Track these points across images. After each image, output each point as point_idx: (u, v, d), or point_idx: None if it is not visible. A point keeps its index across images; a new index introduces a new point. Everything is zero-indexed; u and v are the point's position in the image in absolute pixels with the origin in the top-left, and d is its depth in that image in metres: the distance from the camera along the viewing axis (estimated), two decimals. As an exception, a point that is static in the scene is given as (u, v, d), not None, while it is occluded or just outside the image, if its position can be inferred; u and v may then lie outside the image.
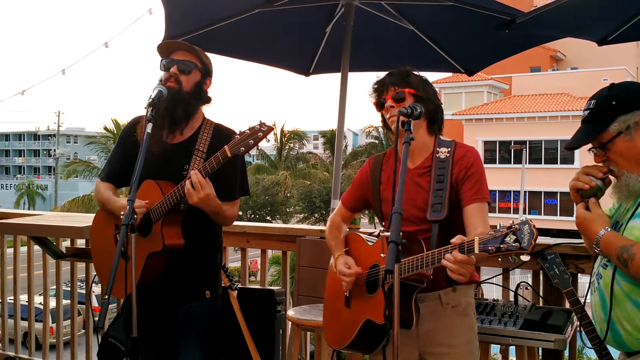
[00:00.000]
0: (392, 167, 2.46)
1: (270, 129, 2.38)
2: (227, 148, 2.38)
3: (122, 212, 2.40)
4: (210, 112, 2.83)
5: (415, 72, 2.45)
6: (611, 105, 1.99)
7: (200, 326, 2.73)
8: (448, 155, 2.37)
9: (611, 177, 2.02)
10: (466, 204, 2.30)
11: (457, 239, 2.01)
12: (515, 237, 1.86)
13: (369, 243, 2.46)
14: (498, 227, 1.91)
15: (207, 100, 2.77)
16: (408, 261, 2.14)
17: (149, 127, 2.49)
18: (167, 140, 2.68)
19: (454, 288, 2.36)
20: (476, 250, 1.93)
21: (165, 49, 2.72)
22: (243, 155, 2.70)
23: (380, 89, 2.43)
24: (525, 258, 1.91)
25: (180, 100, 2.63)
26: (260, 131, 2.35)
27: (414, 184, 2.38)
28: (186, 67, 2.66)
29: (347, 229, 2.69)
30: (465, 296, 2.40)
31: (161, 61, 2.71)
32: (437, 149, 2.41)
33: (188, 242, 2.62)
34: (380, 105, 2.43)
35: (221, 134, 2.70)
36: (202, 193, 2.44)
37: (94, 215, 3.00)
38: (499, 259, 1.92)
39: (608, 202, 2.14)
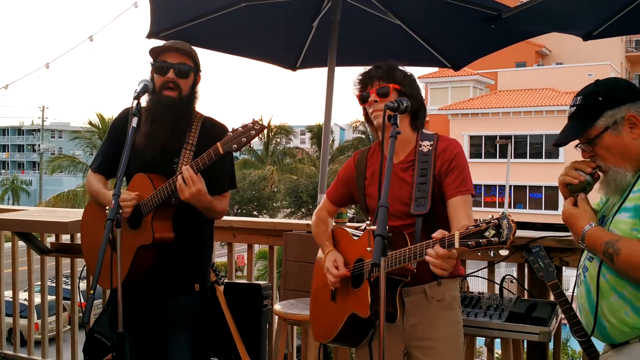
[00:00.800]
0: (377, 162, 2.46)
1: (263, 127, 2.39)
2: (220, 145, 2.39)
3: (107, 208, 2.40)
4: (197, 107, 2.80)
5: (402, 67, 2.44)
6: (597, 101, 2.00)
7: (190, 320, 2.73)
8: (430, 148, 2.37)
9: (599, 172, 2.04)
10: (450, 196, 2.30)
11: (438, 234, 2.01)
12: (494, 231, 1.87)
13: (355, 237, 2.46)
14: (477, 222, 1.92)
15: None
16: (392, 255, 2.15)
17: (134, 121, 2.49)
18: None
19: (438, 282, 2.36)
20: (456, 245, 1.94)
21: (155, 50, 2.66)
22: (230, 156, 2.73)
23: (365, 81, 2.42)
24: (504, 252, 1.92)
25: (182, 111, 2.64)
26: (252, 129, 2.36)
27: (397, 179, 2.38)
28: (184, 71, 2.64)
29: (334, 223, 2.69)
30: (450, 290, 2.41)
31: (155, 63, 2.65)
32: (420, 142, 2.41)
33: (178, 235, 2.62)
34: (363, 99, 2.43)
35: (211, 127, 2.70)
36: (194, 188, 2.45)
37: (79, 210, 2.99)
38: (479, 253, 1.93)
39: (596, 196, 2.16)
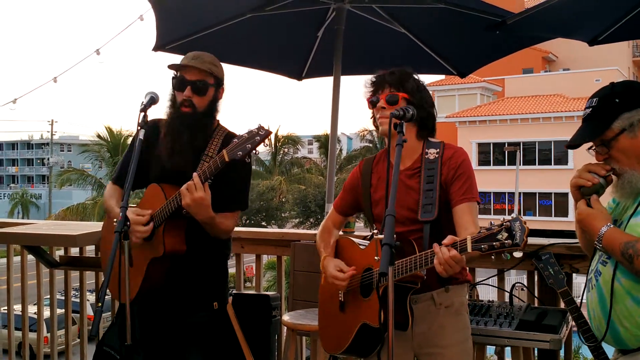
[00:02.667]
0: (383, 169, 2.47)
1: (268, 132, 2.36)
2: (225, 152, 2.36)
3: (114, 221, 2.40)
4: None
5: (415, 76, 2.45)
6: (614, 103, 1.99)
7: (206, 337, 2.70)
8: (437, 156, 2.38)
9: (613, 176, 2.02)
10: (456, 203, 2.30)
11: (448, 240, 2.01)
12: (507, 234, 1.86)
13: (361, 247, 2.45)
14: (490, 225, 1.91)
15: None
16: (401, 263, 2.14)
17: (141, 134, 2.50)
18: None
19: (446, 288, 2.36)
20: (469, 250, 1.93)
21: (176, 65, 2.67)
22: (249, 167, 2.71)
23: (377, 85, 2.43)
24: (517, 254, 1.91)
25: (198, 127, 2.62)
26: (257, 135, 2.33)
27: (404, 186, 2.38)
28: (200, 88, 2.62)
29: (339, 234, 2.69)
30: (458, 296, 2.40)
31: (173, 78, 2.66)
32: (426, 150, 2.41)
33: (193, 249, 2.59)
34: (372, 103, 2.44)
35: (231, 141, 2.69)
36: (196, 195, 2.40)
37: (88, 223, 3.01)
38: (492, 257, 1.92)
39: (604, 201, 2.14)
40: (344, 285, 2.39)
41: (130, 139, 2.93)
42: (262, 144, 2.36)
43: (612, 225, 1.95)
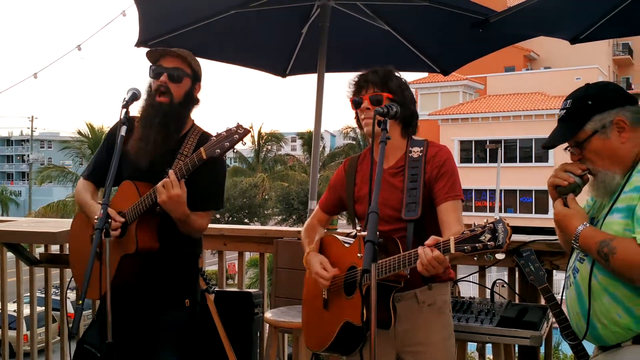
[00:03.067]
0: (367, 167, 2.46)
1: (247, 131, 2.35)
2: (203, 149, 2.36)
3: (95, 217, 2.38)
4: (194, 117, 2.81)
5: (398, 75, 2.44)
6: (587, 105, 2.02)
7: (179, 335, 2.69)
8: (421, 154, 2.38)
9: (588, 175, 2.05)
10: (440, 202, 2.30)
11: (431, 240, 2.02)
12: (490, 235, 1.88)
13: (346, 245, 2.46)
14: (473, 227, 1.93)
15: (196, 102, 2.74)
16: (385, 262, 2.15)
17: (123, 130, 2.48)
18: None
19: (429, 286, 2.37)
20: (452, 250, 1.95)
21: (155, 55, 2.68)
22: (224, 167, 2.71)
23: (360, 85, 2.42)
24: (500, 256, 1.94)
25: (173, 116, 2.61)
26: (236, 133, 2.33)
27: (387, 184, 2.38)
28: (176, 75, 2.62)
29: (324, 231, 2.68)
30: (441, 294, 2.41)
31: (150, 67, 2.66)
32: (410, 148, 2.41)
33: (165, 247, 2.59)
34: (356, 104, 2.43)
35: (206, 141, 2.67)
36: (172, 192, 2.39)
37: (68, 220, 2.97)
38: (475, 258, 1.94)
39: (582, 199, 2.16)
40: (327, 285, 2.40)
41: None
42: (241, 142, 2.36)
43: (588, 225, 1.97)
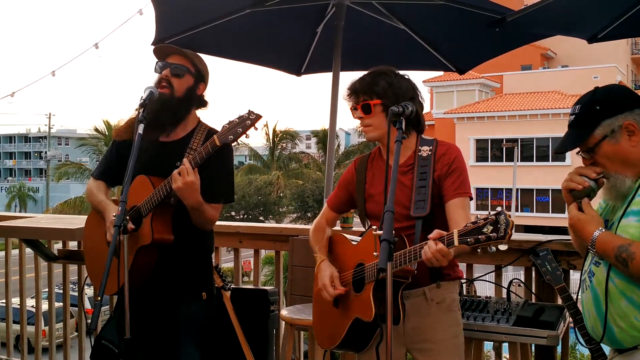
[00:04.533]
0: (377, 166, 2.50)
1: (259, 117, 2.37)
2: (216, 137, 2.39)
3: (113, 215, 2.41)
4: (202, 111, 2.86)
5: (388, 74, 2.40)
6: (595, 110, 2.02)
7: (199, 327, 2.72)
8: (430, 153, 2.40)
9: (603, 179, 2.04)
10: (448, 199, 2.33)
11: (434, 234, 2.05)
12: (492, 227, 1.91)
13: (353, 243, 2.48)
14: (475, 220, 1.95)
15: (203, 104, 2.79)
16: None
17: (140, 128, 2.51)
18: (159, 139, 2.70)
19: (438, 284, 2.39)
20: (456, 243, 1.97)
21: (160, 52, 2.75)
22: (232, 160, 2.74)
23: (351, 95, 2.44)
24: (503, 247, 1.95)
25: (168, 106, 2.65)
26: (248, 119, 2.35)
27: (397, 182, 2.38)
28: (179, 70, 2.68)
29: (331, 231, 2.69)
30: (450, 292, 2.43)
31: (156, 63, 2.74)
32: (419, 147, 2.43)
33: (180, 240, 2.62)
34: (353, 113, 2.46)
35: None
36: (187, 179, 2.43)
37: (85, 217, 3.00)
38: (478, 250, 1.96)
39: (595, 202, 2.16)
40: (329, 299, 2.43)
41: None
42: (253, 128, 2.38)
43: (604, 230, 1.97)
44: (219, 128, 2.71)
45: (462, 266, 2.80)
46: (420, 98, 2.44)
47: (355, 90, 2.42)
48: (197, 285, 2.74)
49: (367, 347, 2.37)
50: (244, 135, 2.38)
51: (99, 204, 2.75)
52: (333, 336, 2.47)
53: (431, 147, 2.42)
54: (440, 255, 2.02)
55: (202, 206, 2.58)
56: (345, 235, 2.57)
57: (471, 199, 2.38)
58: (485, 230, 1.91)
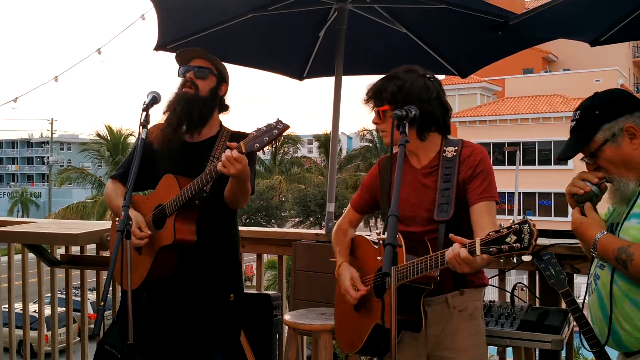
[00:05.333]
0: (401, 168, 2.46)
1: (287, 127, 2.35)
2: (242, 144, 2.39)
3: (116, 219, 2.43)
4: (224, 116, 2.93)
5: (401, 77, 2.34)
6: (594, 115, 2.04)
7: (227, 333, 2.73)
8: (455, 154, 2.34)
9: (606, 183, 2.04)
10: (473, 202, 2.26)
11: (458, 240, 1.99)
12: (515, 237, 1.85)
13: (376, 246, 2.43)
14: (499, 228, 1.90)
15: (224, 107, 2.85)
16: (413, 263, 2.13)
17: (143, 133, 2.52)
18: (185, 139, 2.75)
19: (461, 291, 2.33)
20: (478, 252, 1.92)
21: (183, 57, 2.81)
22: (255, 156, 2.71)
23: (367, 102, 2.42)
24: (526, 258, 1.92)
25: (196, 103, 2.71)
26: (275, 128, 2.34)
27: (420, 185, 2.35)
28: (202, 73, 2.75)
29: (354, 232, 2.67)
30: (473, 300, 2.37)
31: (179, 68, 2.80)
32: (444, 147, 2.37)
33: (203, 240, 2.62)
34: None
35: (238, 139, 2.70)
36: (239, 165, 2.39)
37: (88, 222, 3.02)
38: (501, 260, 1.92)
39: (604, 206, 2.15)
40: (353, 302, 2.41)
41: (133, 138, 2.98)
42: (280, 136, 2.37)
43: (605, 232, 1.97)
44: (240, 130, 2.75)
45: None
46: (441, 98, 2.36)
47: (368, 97, 2.41)
48: (223, 287, 2.73)
49: (388, 353, 2.33)
50: (270, 145, 2.38)
51: (118, 208, 2.75)
52: (354, 341, 2.45)
53: (456, 148, 2.35)
54: (460, 260, 1.96)
55: (248, 180, 2.54)
56: (367, 237, 2.53)
57: (497, 202, 2.30)
58: (508, 239, 1.85)
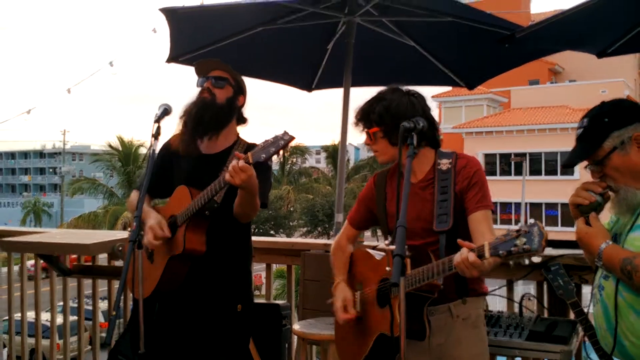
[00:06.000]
0: (396, 182, 2.48)
1: (292, 138, 2.39)
2: (250, 154, 2.42)
3: (128, 229, 2.47)
4: (242, 128, 2.94)
5: (386, 97, 2.39)
6: (604, 122, 2.02)
7: (232, 342, 2.74)
8: (450, 166, 2.38)
9: (610, 193, 2.04)
10: (471, 211, 2.30)
11: (466, 245, 2.01)
12: (525, 239, 1.85)
13: (377, 257, 2.46)
14: (507, 232, 1.90)
15: (242, 119, 2.87)
16: (417, 272, 2.15)
17: (155, 144, 2.56)
18: (201, 150, 2.77)
19: (463, 300, 2.35)
20: (487, 255, 1.92)
21: (202, 69, 2.84)
22: (269, 170, 2.80)
23: (356, 124, 2.48)
24: (536, 259, 1.91)
25: (210, 107, 2.74)
26: (282, 139, 2.38)
27: (418, 197, 2.39)
28: (219, 83, 2.79)
29: (352, 248, 2.68)
30: (475, 308, 2.39)
31: (197, 79, 2.84)
32: (438, 160, 2.41)
33: (213, 251, 2.64)
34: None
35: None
36: (244, 174, 2.40)
37: (100, 231, 3.06)
38: (510, 263, 1.92)
39: (606, 216, 2.16)
40: (342, 323, 2.47)
41: (144, 149, 3.02)
42: (286, 147, 2.41)
43: (610, 243, 1.96)
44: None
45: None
46: (427, 114, 2.40)
47: (357, 119, 2.46)
48: (231, 298, 2.75)
49: None
50: (276, 155, 2.41)
51: (144, 214, 2.78)
52: (356, 352, 2.45)
53: (451, 160, 2.40)
54: (469, 264, 1.96)
55: (256, 188, 2.54)
56: (368, 250, 2.55)
57: (493, 212, 2.36)
58: (518, 242, 1.86)
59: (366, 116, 2.41)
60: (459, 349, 2.34)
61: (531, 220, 1.89)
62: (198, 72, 2.85)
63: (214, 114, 2.74)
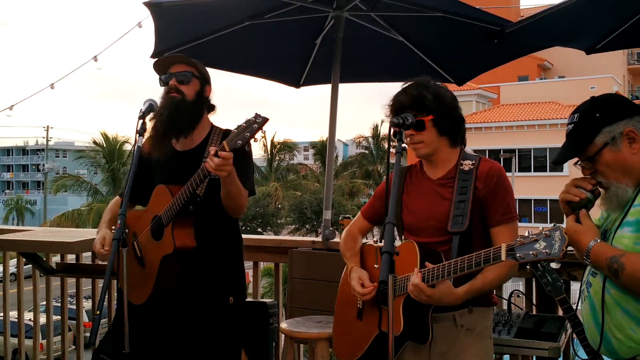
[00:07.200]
0: (418, 180, 2.43)
1: (265, 119, 2.34)
2: (225, 143, 2.37)
3: (112, 228, 2.42)
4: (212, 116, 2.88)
5: (430, 85, 2.33)
6: (595, 118, 2.00)
7: (224, 336, 2.71)
8: (472, 167, 2.32)
9: (600, 189, 2.02)
10: (494, 224, 2.24)
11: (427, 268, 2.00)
12: (545, 243, 1.80)
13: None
14: (527, 234, 1.86)
15: (211, 107, 2.81)
16: (427, 271, 2.10)
17: (140, 141, 2.52)
18: (176, 148, 2.72)
19: (470, 309, 2.27)
20: (503, 258, 1.88)
21: (162, 66, 2.76)
22: (250, 154, 2.73)
23: (397, 110, 2.31)
24: (555, 265, 1.87)
25: (183, 108, 2.66)
26: (255, 123, 2.33)
27: (435, 194, 2.33)
28: (184, 77, 2.70)
29: (363, 240, 2.64)
30: (483, 319, 2.31)
31: (160, 78, 2.74)
32: (461, 161, 2.35)
33: (203, 245, 2.62)
34: (398, 127, 2.26)
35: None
36: (226, 164, 2.37)
37: (84, 230, 3.03)
38: (527, 267, 1.87)
39: (596, 212, 2.14)
40: (367, 299, 2.35)
41: (129, 145, 2.96)
42: (260, 131, 2.35)
43: (599, 240, 1.95)
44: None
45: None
46: (459, 110, 2.38)
47: (401, 106, 2.29)
48: (223, 290, 2.72)
49: None
50: (253, 140, 2.36)
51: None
52: (354, 349, 2.42)
53: (474, 162, 2.33)
54: (418, 292, 1.98)
55: (240, 188, 2.53)
56: (375, 246, 2.50)
57: (517, 219, 2.28)
58: (537, 246, 1.80)
59: (420, 102, 2.27)
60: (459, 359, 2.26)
61: (553, 224, 1.84)
62: (158, 70, 2.76)
63: (188, 113, 2.68)
